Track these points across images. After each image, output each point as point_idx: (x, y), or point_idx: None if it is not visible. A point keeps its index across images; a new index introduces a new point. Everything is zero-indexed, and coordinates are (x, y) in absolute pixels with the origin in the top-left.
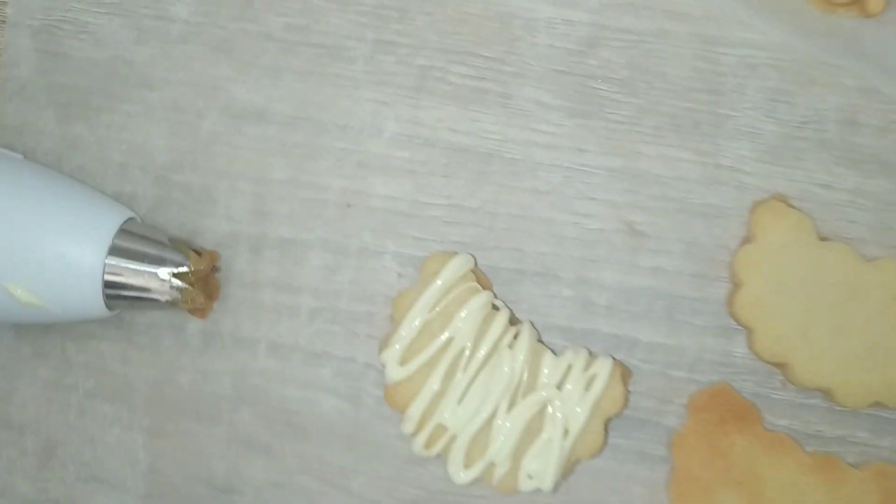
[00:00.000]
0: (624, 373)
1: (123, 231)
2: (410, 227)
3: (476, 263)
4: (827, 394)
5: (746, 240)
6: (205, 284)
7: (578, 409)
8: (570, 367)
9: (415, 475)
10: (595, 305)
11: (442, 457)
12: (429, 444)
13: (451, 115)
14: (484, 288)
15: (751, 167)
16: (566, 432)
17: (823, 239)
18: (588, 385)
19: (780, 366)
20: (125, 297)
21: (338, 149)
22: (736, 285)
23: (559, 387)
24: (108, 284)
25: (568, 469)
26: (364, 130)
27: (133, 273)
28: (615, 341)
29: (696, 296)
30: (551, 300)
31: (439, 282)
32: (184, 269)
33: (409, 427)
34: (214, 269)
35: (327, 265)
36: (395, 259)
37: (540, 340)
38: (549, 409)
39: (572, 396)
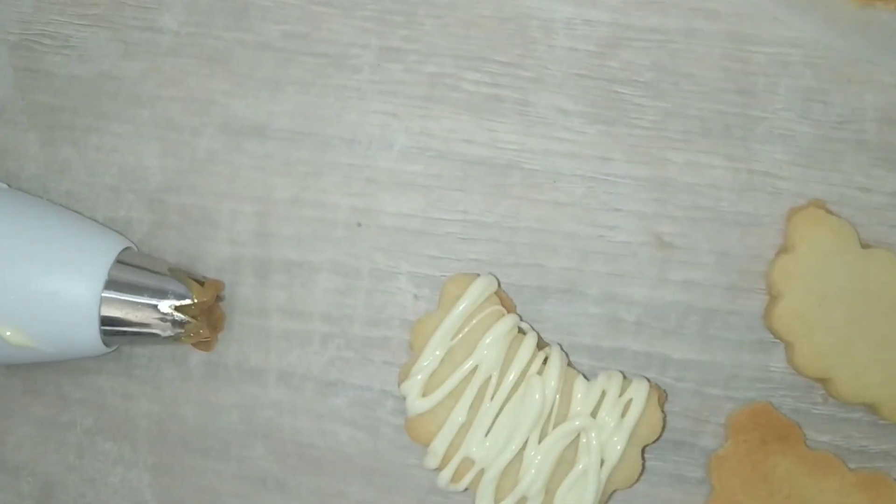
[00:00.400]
0: (661, 396)
1: (120, 262)
2: (425, 246)
3: (499, 284)
4: (871, 408)
5: (783, 249)
6: (209, 315)
7: (615, 439)
8: (604, 393)
9: None
10: (624, 322)
11: (470, 491)
12: (455, 478)
13: (464, 125)
14: (508, 310)
15: (785, 172)
16: (602, 462)
17: (865, 246)
18: (624, 411)
19: (822, 381)
20: (124, 334)
21: (345, 164)
22: (773, 297)
23: (593, 414)
24: (105, 321)
25: (604, 501)
26: (372, 144)
27: (132, 307)
28: (646, 360)
29: (731, 309)
30: (577, 318)
31: (461, 307)
32: (186, 301)
33: (433, 462)
34: (218, 298)
35: (338, 288)
36: (410, 280)
37: (569, 363)
38: (584, 438)
39: (608, 424)
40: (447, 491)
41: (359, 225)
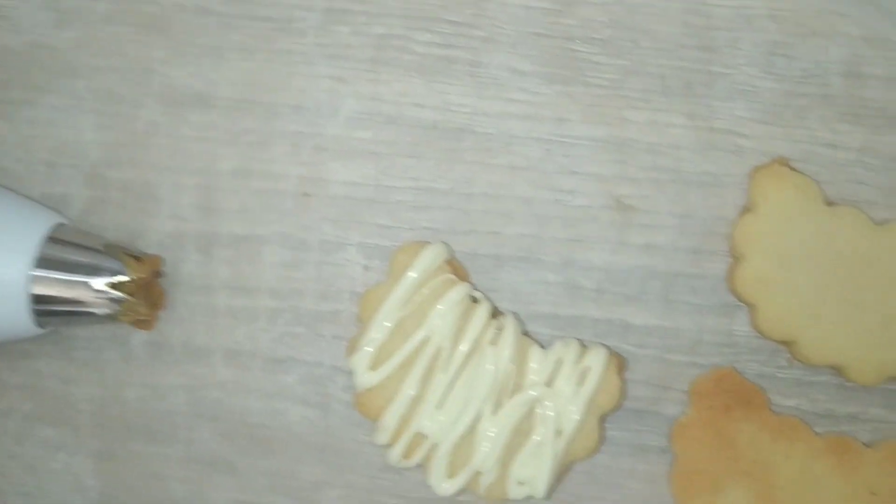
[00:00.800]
0: (620, 363)
1: (52, 239)
2: (376, 215)
3: (451, 252)
4: (838, 370)
5: (746, 209)
6: (147, 293)
7: (572, 408)
8: (560, 362)
9: (393, 483)
10: (583, 289)
11: (423, 467)
12: (407, 454)
13: (415, 88)
14: (461, 279)
15: (748, 129)
16: (559, 433)
17: (830, 204)
18: (581, 380)
19: (787, 343)
20: (57, 313)
21: (291, 133)
22: (736, 259)
23: (549, 384)
24: (36, 300)
25: (562, 472)
26: (320, 111)
27: (64, 285)
28: (606, 327)
29: (693, 273)
30: (535, 286)
31: (411, 276)
32: (121, 277)
33: (384, 437)
34: (157, 274)
35: (286, 262)
36: (360, 251)
37: (525, 332)
38: (539, 409)
39: (564, 394)
40: (399, 467)
41: (306, 195)
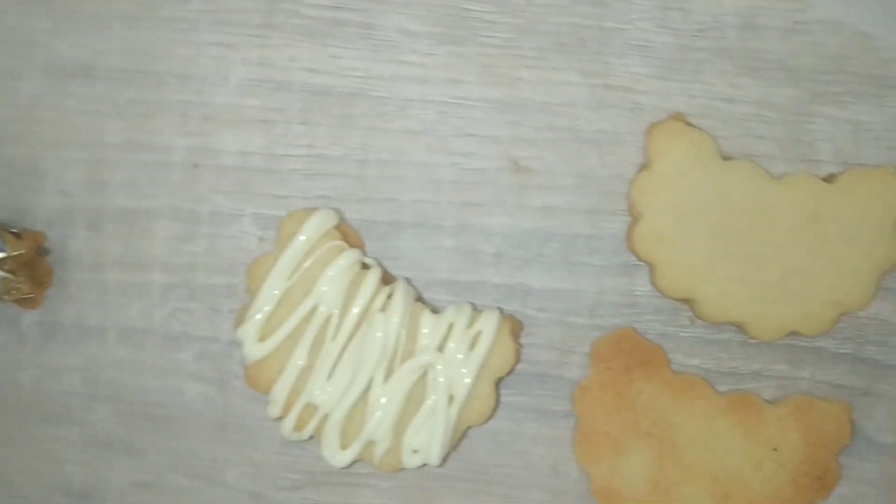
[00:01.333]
0: (514, 326)
1: None
2: (269, 185)
3: (343, 219)
4: (739, 327)
5: (643, 167)
6: (31, 270)
7: (464, 371)
8: (451, 326)
9: (294, 458)
10: (481, 254)
11: (315, 438)
12: (298, 426)
13: (305, 52)
14: (355, 246)
15: (644, 85)
16: (451, 399)
17: (727, 158)
18: (473, 344)
19: (688, 301)
20: None
21: (179, 102)
22: (634, 218)
23: (440, 349)
24: None
25: (456, 439)
26: (207, 79)
27: None
28: (506, 291)
29: (593, 233)
30: (433, 252)
31: (297, 243)
32: (0, 254)
33: (275, 410)
34: (41, 251)
35: (177, 235)
36: (254, 222)
37: (420, 299)
38: (431, 374)
39: (456, 358)
40: (292, 440)
41: (196, 166)
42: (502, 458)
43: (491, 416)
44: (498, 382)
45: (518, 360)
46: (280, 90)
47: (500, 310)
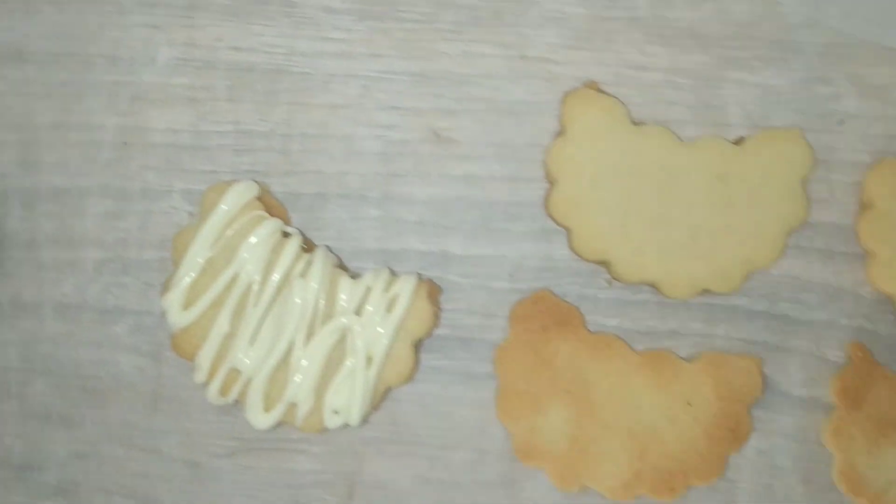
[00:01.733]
0: (432, 290)
1: None
2: (197, 161)
3: (269, 191)
4: (654, 287)
5: (559, 134)
6: None
7: (380, 330)
8: (369, 290)
9: (228, 426)
10: (405, 223)
11: (240, 402)
12: (223, 391)
13: (230, 31)
14: (281, 218)
15: (560, 56)
16: (369, 360)
17: (638, 123)
18: (390, 307)
19: (603, 263)
20: None
21: (108, 83)
22: (551, 184)
23: (358, 312)
24: None
25: (378, 399)
26: (135, 60)
27: None
28: (430, 258)
29: (512, 200)
30: (358, 223)
31: (219, 213)
32: None
33: (200, 375)
34: None
35: (109, 212)
36: (184, 198)
37: (341, 265)
38: (349, 337)
39: (373, 320)
40: (218, 404)
41: (126, 144)
42: (430, 420)
43: (410, 377)
44: (418, 344)
45: (437, 323)
46: (206, 69)
47: (419, 275)
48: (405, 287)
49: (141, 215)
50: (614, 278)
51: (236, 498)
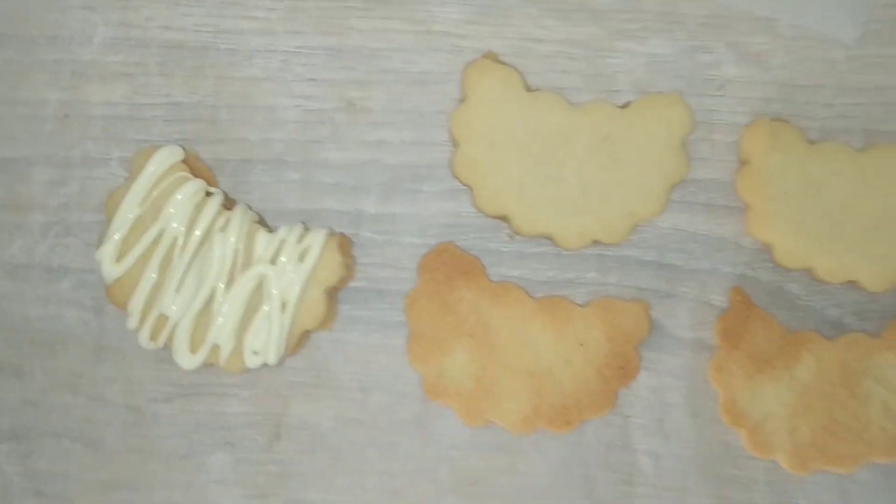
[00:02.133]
0: (342, 242)
1: None
2: (132, 131)
3: (198, 157)
4: (550, 239)
5: (461, 101)
6: None
7: (293, 276)
8: (283, 242)
9: (166, 373)
10: (323, 185)
11: (168, 346)
12: (153, 335)
13: (161, 12)
14: (207, 181)
15: (463, 30)
16: (284, 305)
17: (531, 90)
18: (302, 257)
19: (503, 219)
20: None
21: (50, 61)
22: (455, 147)
23: (274, 262)
24: None
25: (294, 341)
26: (74, 39)
27: None
28: (346, 217)
29: (421, 163)
30: (280, 185)
31: (146, 174)
32: None
33: (132, 322)
34: None
35: (53, 179)
36: (120, 165)
37: (263, 222)
38: (266, 284)
39: (286, 269)
40: (148, 348)
41: (66, 117)
42: (350, 366)
43: (324, 321)
44: (332, 293)
45: (352, 274)
46: (139, 47)
47: (330, 229)
48: (316, 239)
49: (82, 181)
50: (515, 232)
51: (173, 439)
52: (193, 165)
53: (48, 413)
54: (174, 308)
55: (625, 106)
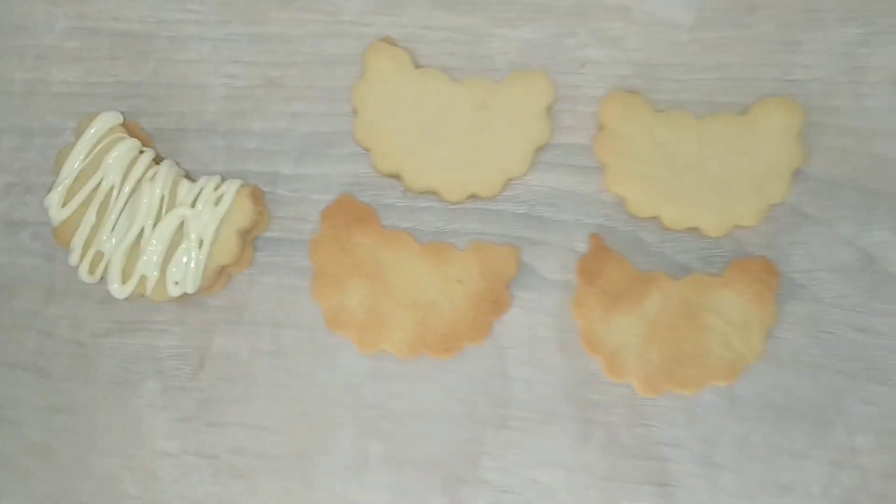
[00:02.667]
0: (254, 192)
1: None
2: (85, 106)
3: (140, 126)
4: (436, 195)
5: (360, 77)
6: None
7: (208, 217)
8: (202, 190)
9: (108, 311)
10: (246, 150)
11: (104, 279)
12: (91, 270)
13: (111, 5)
14: (145, 143)
15: (366, 19)
16: (201, 242)
17: (419, 68)
18: (217, 202)
19: (396, 177)
20: None
21: (18, 46)
22: (356, 116)
23: (193, 206)
24: None
25: (213, 275)
26: (38, 28)
27: None
28: (265, 177)
29: (329, 131)
30: (210, 151)
31: (88, 135)
32: None
33: (74, 258)
34: None
35: (17, 147)
36: (74, 134)
37: (188, 176)
38: (185, 225)
39: (203, 212)
40: (87, 282)
41: (30, 93)
42: (269, 304)
43: (240, 262)
44: (245, 235)
45: (263, 220)
46: (92, 34)
47: (243, 181)
48: (230, 187)
49: (41, 148)
50: (407, 189)
51: (111, 369)
52: (134, 132)
53: (3, 346)
54: (108, 245)
55: (501, 81)
